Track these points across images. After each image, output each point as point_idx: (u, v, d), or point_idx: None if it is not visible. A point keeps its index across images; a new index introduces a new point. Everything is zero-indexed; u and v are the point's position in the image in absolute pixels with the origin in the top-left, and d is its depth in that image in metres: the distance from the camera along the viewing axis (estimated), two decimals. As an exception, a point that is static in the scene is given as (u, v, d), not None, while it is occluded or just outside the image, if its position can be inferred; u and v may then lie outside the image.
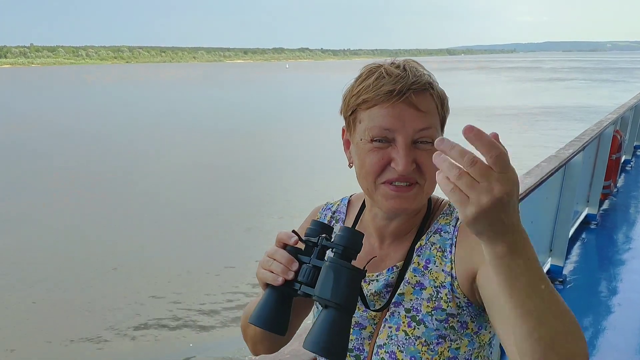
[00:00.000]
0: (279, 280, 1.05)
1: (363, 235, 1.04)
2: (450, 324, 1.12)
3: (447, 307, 1.12)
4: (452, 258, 1.13)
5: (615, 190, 7.83)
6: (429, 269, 1.15)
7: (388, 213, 1.17)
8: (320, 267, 1.02)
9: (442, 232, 1.18)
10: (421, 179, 1.12)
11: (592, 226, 6.61)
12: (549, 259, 5.11)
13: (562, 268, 5.08)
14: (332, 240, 1.04)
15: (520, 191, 3.37)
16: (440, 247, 1.16)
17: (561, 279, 4.99)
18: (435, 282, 1.13)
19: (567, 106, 34.98)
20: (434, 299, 1.12)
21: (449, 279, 1.12)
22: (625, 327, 4.34)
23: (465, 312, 1.13)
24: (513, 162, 1.02)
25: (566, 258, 5.25)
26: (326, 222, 1.31)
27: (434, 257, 1.15)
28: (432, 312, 1.12)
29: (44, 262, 10.32)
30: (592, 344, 4.09)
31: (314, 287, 1.01)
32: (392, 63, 1.15)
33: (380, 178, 1.12)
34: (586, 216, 6.66)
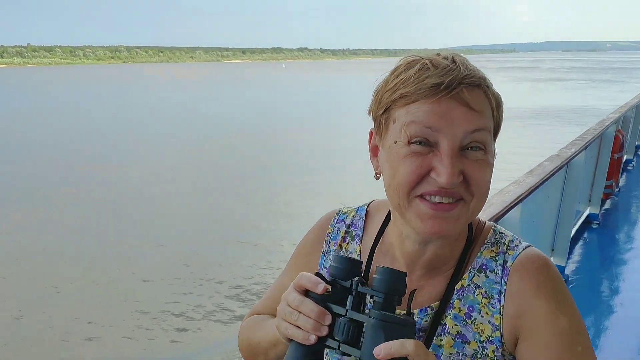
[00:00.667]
0: (311, 340, 0.85)
1: (406, 274, 0.84)
2: None
3: None
4: (501, 310, 0.96)
5: (617, 189, 7.83)
6: (472, 318, 0.97)
7: (423, 236, 0.97)
8: (359, 321, 0.84)
9: (487, 271, 0.99)
10: (468, 195, 0.92)
11: (594, 226, 6.60)
12: (551, 259, 5.08)
13: (564, 268, 5.08)
14: (367, 282, 0.86)
15: (523, 190, 3.38)
16: (486, 292, 0.98)
17: (563, 279, 4.97)
18: (481, 335, 0.96)
19: (563, 108, 34.34)
20: (479, 356, 0.96)
21: (497, 334, 0.96)
22: (627, 326, 4.33)
23: None
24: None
25: (568, 258, 5.24)
26: (339, 238, 1.13)
27: (479, 304, 0.98)
28: None
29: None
30: (594, 344, 4.08)
31: (355, 346, 0.83)
32: (437, 54, 0.95)
33: (416, 190, 0.92)
34: (588, 216, 6.66)
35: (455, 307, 0.99)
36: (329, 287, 0.87)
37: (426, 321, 0.99)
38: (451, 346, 0.97)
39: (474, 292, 0.99)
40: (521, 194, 3.34)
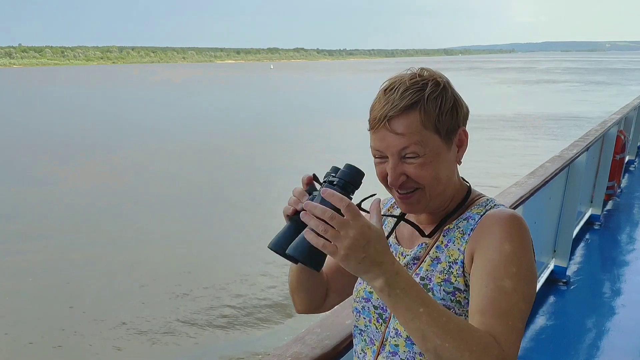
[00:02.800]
0: (289, 210, 1.18)
1: (364, 174, 1.14)
2: (457, 298, 1.22)
3: (456, 281, 1.23)
4: (467, 240, 1.25)
5: (619, 190, 7.83)
6: (448, 247, 1.27)
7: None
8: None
9: (469, 220, 1.29)
10: (420, 185, 1.26)
11: (596, 227, 6.59)
12: (553, 260, 5.08)
13: (565, 269, 5.06)
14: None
15: (524, 192, 3.36)
16: (462, 230, 1.28)
17: (565, 280, 4.96)
18: (450, 258, 1.25)
19: (545, 115, 31.40)
20: (445, 272, 1.24)
21: (461, 257, 1.24)
22: (629, 328, 4.31)
23: None
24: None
25: (570, 259, 5.21)
26: (387, 208, 1.49)
27: (455, 238, 1.28)
28: (442, 283, 1.24)
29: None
30: (596, 345, 4.07)
31: None
32: (406, 72, 1.28)
33: (389, 186, 1.29)
34: (590, 217, 6.65)
35: (439, 241, 1.30)
36: (311, 175, 1.21)
37: (420, 252, 1.32)
38: (429, 265, 1.28)
39: (455, 231, 1.29)
40: (523, 195, 3.33)
